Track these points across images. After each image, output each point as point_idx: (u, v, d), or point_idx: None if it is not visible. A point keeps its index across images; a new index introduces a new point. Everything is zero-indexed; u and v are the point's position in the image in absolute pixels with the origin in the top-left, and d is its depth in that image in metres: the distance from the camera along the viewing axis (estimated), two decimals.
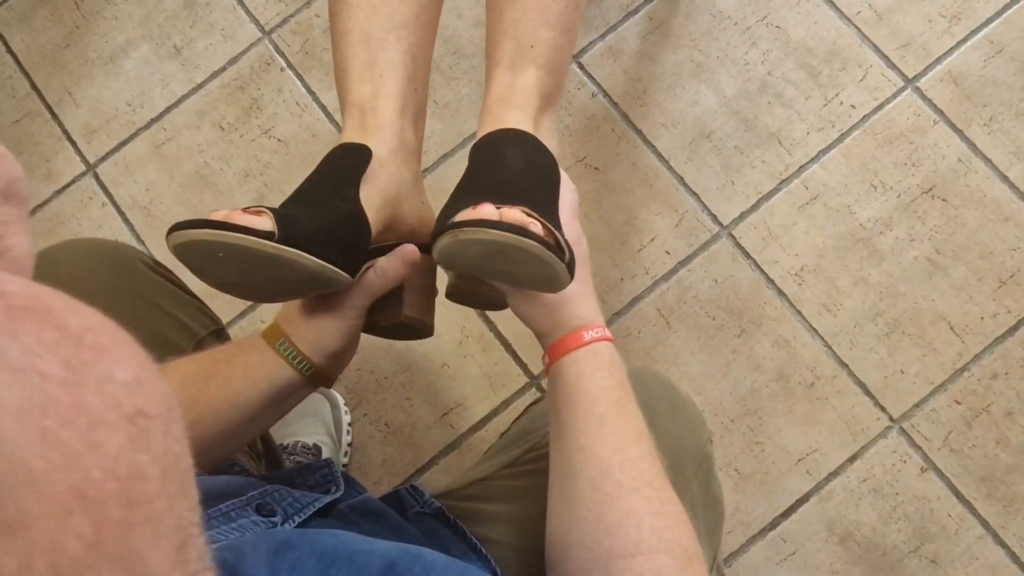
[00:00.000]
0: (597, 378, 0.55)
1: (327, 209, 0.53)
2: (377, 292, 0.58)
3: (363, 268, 0.57)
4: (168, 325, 0.67)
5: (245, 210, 0.50)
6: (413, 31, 0.60)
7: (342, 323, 0.58)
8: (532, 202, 0.51)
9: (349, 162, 0.56)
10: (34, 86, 1.33)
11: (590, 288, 0.59)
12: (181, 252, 0.48)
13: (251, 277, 0.52)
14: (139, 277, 0.67)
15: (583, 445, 0.54)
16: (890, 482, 1.07)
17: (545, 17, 0.58)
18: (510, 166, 0.53)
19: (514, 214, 0.48)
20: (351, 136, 0.58)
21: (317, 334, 0.58)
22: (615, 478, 0.52)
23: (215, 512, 0.48)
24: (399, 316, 0.60)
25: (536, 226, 0.48)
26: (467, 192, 0.52)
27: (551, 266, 0.47)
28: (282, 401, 0.59)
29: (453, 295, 0.64)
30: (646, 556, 0.50)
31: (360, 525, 0.57)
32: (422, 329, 0.63)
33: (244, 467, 0.66)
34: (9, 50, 1.35)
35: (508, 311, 0.65)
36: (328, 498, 0.56)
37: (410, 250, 0.57)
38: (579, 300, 0.57)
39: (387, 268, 0.57)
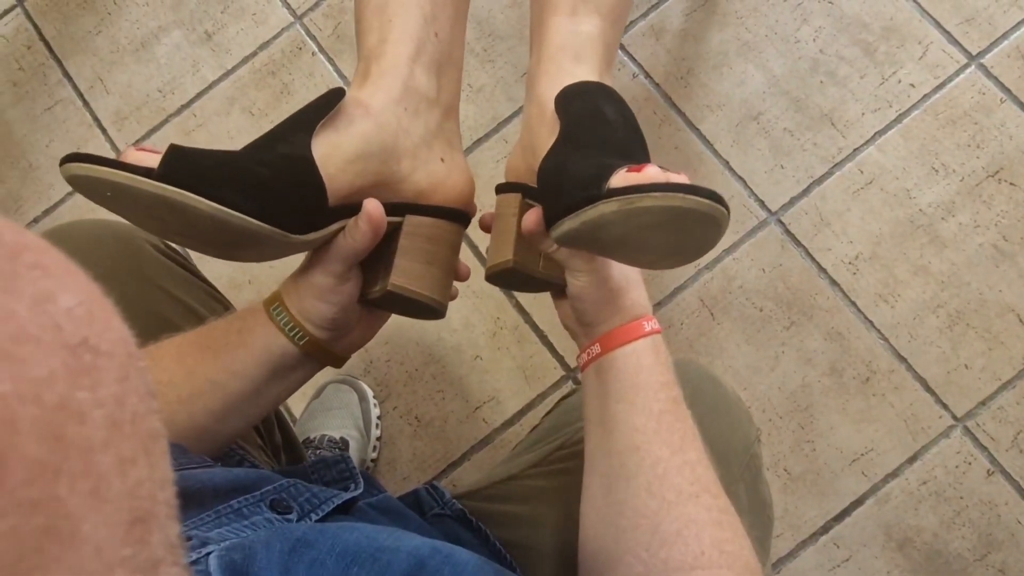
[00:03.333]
0: (656, 372, 0.50)
1: (258, 151, 0.47)
2: (350, 255, 0.52)
3: (334, 226, 0.51)
4: (174, 310, 0.63)
5: (142, 147, 0.46)
6: None
7: (323, 290, 0.53)
8: (642, 161, 0.45)
9: (314, 105, 0.50)
10: (66, 73, 1.32)
11: (640, 274, 0.55)
12: (75, 187, 0.44)
13: (166, 223, 0.47)
14: (145, 259, 0.64)
15: (639, 444, 0.49)
16: (953, 485, 1.00)
17: None
18: (611, 122, 0.48)
19: (682, 177, 0.42)
20: (353, 86, 0.53)
21: (302, 300, 0.53)
22: (673, 482, 0.47)
23: (225, 509, 0.44)
24: (386, 286, 0.53)
25: None
26: (575, 148, 0.46)
27: (720, 233, 0.42)
28: (283, 374, 0.54)
29: (501, 276, 0.56)
30: (706, 571, 0.45)
31: (381, 523, 0.53)
32: (424, 304, 0.55)
33: (252, 462, 0.62)
34: (41, 37, 1.34)
35: (536, 302, 0.60)
36: (348, 495, 0.52)
37: (372, 207, 0.50)
38: (638, 286, 0.53)
39: (352, 228, 0.51)
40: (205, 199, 0.44)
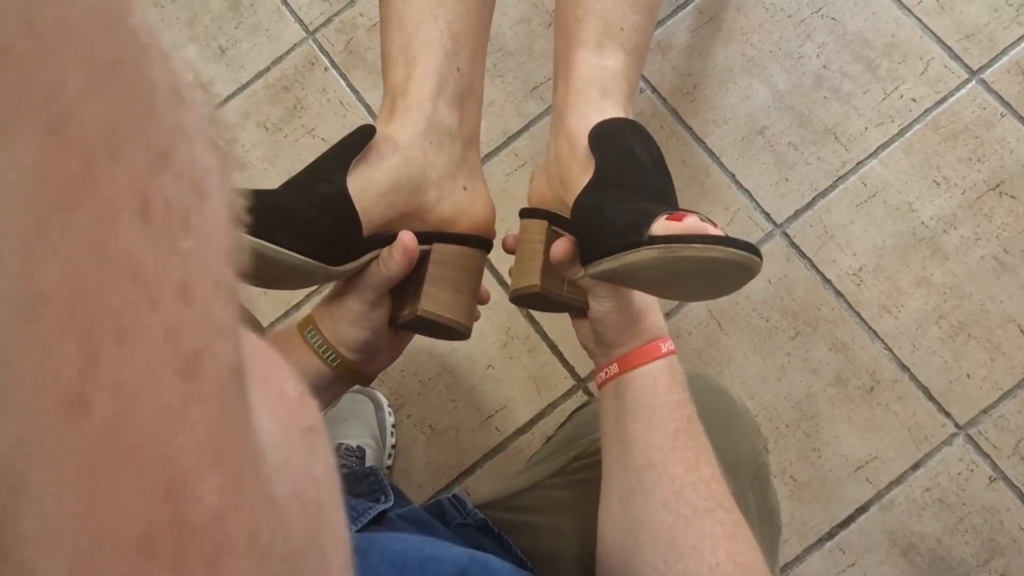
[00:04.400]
0: (672, 392, 0.53)
1: (298, 190, 0.51)
2: (383, 283, 0.55)
3: (367, 256, 0.54)
4: None
5: None
6: (452, 8, 0.56)
7: (356, 315, 0.56)
8: (673, 203, 0.48)
9: (348, 143, 0.53)
10: None
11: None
12: None
13: None
14: None
15: (656, 461, 0.51)
16: (956, 492, 1.02)
17: None
18: (643, 164, 0.50)
19: (719, 230, 0.44)
20: (380, 122, 0.56)
21: (336, 324, 0.56)
22: (689, 498, 0.50)
23: None
24: (416, 311, 0.56)
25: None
26: (610, 189, 0.49)
27: (751, 279, 0.45)
28: (315, 395, 0.57)
29: (526, 298, 0.59)
30: None
31: (411, 534, 0.55)
32: (451, 327, 0.58)
33: None
34: None
35: (546, 313, 0.62)
36: (381, 507, 0.54)
37: (407, 239, 0.54)
38: (656, 310, 0.56)
39: (386, 258, 0.54)
40: (259, 239, 0.47)
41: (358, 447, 1.07)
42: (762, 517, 0.68)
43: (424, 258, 0.57)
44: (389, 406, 1.14)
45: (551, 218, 0.57)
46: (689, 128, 1.19)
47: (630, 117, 0.55)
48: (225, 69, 1.32)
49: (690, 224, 0.43)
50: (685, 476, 0.51)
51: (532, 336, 1.14)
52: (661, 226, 0.44)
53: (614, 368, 0.55)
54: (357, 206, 0.52)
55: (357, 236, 0.52)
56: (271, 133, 1.28)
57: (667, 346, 0.55)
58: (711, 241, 0.42)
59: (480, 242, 0.60)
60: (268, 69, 1.32)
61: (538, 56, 1.26)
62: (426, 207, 0.57)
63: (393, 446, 1.12)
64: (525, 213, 0.61)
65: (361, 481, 0.60)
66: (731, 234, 1.04)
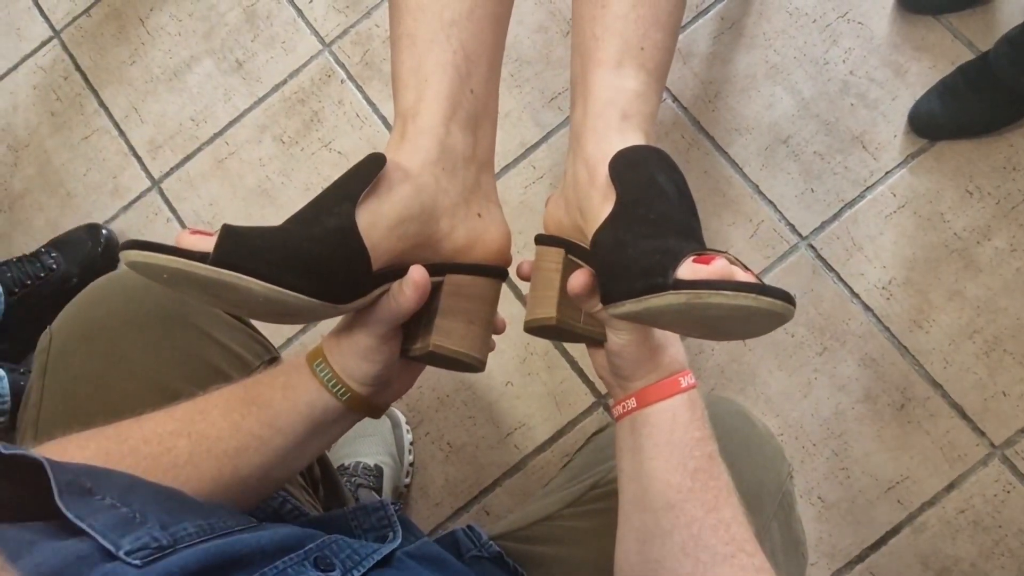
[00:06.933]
0: (692, 429, 0.50)
1: (306, 226, 0.49)
2: (394, 318, 0.52)
3: (377, 290, 0.52)
4: (222, 357, 0.65)
5: (196, 231, 0.47)
6: (466, 27, 0.54)
7: (366, 349, 0.53)
8: (698, 238, 0.46)
9: (357, 174, 0.50)
10: (101, 103, 1.35)
11: None
12: (135, 271, 0.46)
13: (221, 299, 0.48)
14: (192, 307, 0.65)
15: (674, 503, 0.49)
16: (991, 514, 0.98)
17: (656, 16, 0.52)
18: (667, 195, 0.48)
19: (749, 275, 0.42)
20: (390, 148, 0.54)
21: (346, 358, 0.54)
22: (707, 542, 0.47)
23: (272, 571, 0.45)
24: (427, 346, 0.54)
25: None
26: (633, 224, 0.47)
27: (781, 325, 0.42)
28: (326, 427, 0.55)
29: (541, 329, 0.57)
30: None
31: (420, 574, 0.53)
32: (464, 362, 0.56)
33: (295, 504, 0.63)
34: (78, 67, 1.37)
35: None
36: (387, 548, 0.52)
37: (417, 274, 0.51)
38: (676, 342, 0.53)
39: (397, 293, 0.52)
40: (260, 280, 0.45)
41: (375, 465, 1.06)
42: (787, 548, 0.65)
43: (436, 289, 0.55)
44: (407, 424, 1.12)
45: (568, 247, 0.55)
46: (711, 137, 1.16)
47: (651, 139, 0.52)
48: (242, 82, 1.32)
49: (719, 268, 0.41)
50: (705, 518, 0.49)
51: (551, 352, 1.12)
52: (688, 269, 0.41)
53: (631, 402, 0.53)
54: (366, 240, 0.50)
55: (366, 272, 0.50)
56: (288, 146, 1.28)
57: (687, 380, 0.52)
58: (741, 288, 0.39)
59: (495, 271, 0.57)
60: (285, 82, 1.31)
61: (556, 65, 1.24)
62: (438, 237, 0.54)
63: (411, 464, 1.11)
64: (541, 240, 0.59)
65: (371, 515, 0.59)
66: (755, 248, 1.01)
